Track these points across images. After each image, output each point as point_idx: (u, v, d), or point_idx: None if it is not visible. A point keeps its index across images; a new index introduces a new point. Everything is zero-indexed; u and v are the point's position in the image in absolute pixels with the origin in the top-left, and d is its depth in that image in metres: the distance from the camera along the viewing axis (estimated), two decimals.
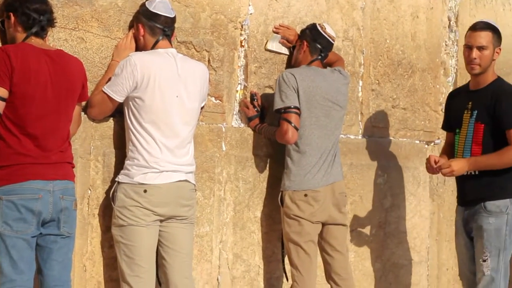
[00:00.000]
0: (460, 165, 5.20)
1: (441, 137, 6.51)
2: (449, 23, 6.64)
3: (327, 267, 5.45)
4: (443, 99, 6.55)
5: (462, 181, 5.34)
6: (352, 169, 5.96)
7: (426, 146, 6.43)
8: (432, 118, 6.48)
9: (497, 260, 5.22)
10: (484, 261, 5.24)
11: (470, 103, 5.31)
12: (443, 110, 5.60)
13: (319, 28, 5.43)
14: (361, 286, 5.91)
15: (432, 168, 5.27)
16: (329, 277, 5.45)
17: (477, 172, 5.25)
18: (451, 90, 6.61)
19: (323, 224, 5.38)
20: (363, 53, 6.09)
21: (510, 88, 5.36)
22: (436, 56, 6.52)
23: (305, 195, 5.29)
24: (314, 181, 5.31)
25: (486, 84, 5.31)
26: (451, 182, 6.48)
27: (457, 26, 6.66)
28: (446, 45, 6.61)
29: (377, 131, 6.18)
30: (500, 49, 5.32)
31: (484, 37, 5.24)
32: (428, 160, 5.29)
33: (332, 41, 5.44)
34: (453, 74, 6.64)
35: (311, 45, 5.43)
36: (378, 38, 6.17)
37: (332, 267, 5.42)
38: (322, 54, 5.43)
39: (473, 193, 5.29)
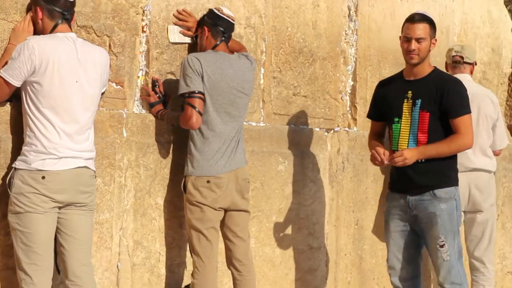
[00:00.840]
0: (411, 154, 5.26)
1: (341, 125, 6.49)
2: (349, 12, 6.62)
3: (229, 253, 5.39)
4: (342, 87, 6.53)
5: (404, 169, 5.33)
6: (253, 156, 5.90)
7: (326, 133, 6.41)
8: (332, 106, 6.46)
9: (453, 244, 5.31)
10: (442, 246, 5.31)
11: (410, 92, 5.34)
12: (372, 99, 5.56)
13: (217, 12, 5.33)
14: (261, 272, 5.86)
15: (380, 159, 5.29)
16: (230, 263, 5.40)
17: (423, 160, 5.30)
18: (350, 78, 6.60)
19: (226, 211, 5.31)
20: (265, 40, 6.02)
21: (451, 77, 5.48)
22: (336, 45, 6.50)
23: (208, 181, 5.20)
24: (217, 167, 5.22)
25: (425, 74, 5.37)
26: (350, 169, 6.48)
27: (356, 16, 6.64)
28: (346, 34, 6.58)
29: (278, 118, 6.13)
30: (435, 40, 5.40)
31: (422, 29, 5.29)
32: (376, 152, 5.30)
33: (232, 21, 5.35)
34: (353, 63, 6.63)
35: (212, 29, 5.32)
36: (280, 26, 6.11)
37: (234, 253, 5.36)
38: (225, 35, 5.33)
39: (420, 180, 5.33)
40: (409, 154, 5.26)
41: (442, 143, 5.28)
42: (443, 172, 5.38)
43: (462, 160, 6.26)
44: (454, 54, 6.64)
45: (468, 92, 6.27)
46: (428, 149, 5.28)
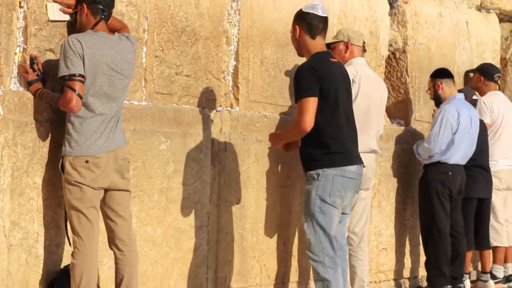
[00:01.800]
0: (272, 137, 5.68)
1: (223, 104, 6.40)
2: None
3: (110, 233, 5.25)
4: (225, 67, 6.43)
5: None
6: (135, 135, 5.73)
7: (209, 113, 6.29)
8: (214, 85, 6.34)
9: (311, 223, 5.55)
10: (303, 223, 5.64)
11: None
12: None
13: None
14: (142, 252, 5.72)
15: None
16: (112, 243, 5.26)
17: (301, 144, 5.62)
18: (232, 58, 6.49)
19: (106, 190, 5.16)
20: (147, 19, 5.84)
21: (299, 66, 5.66)
22: (219, 25, 6.37)
23: (86, 161, 5.04)
24: (95, 147, 5.06)
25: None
26: (232, 149, 6.39)
27: None
28: (228, 14, 6.46)
29: (160, 97, 5.97)
30: (297, 26, 5.69)
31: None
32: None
33: None
34: (235, 43, 6.51)
35: (91, 6, 5.11)
36: (162, 4, 5.94)
37: (115, 233, 5.23)
38: (105, 14, 5.13)
39: (301, 162, 5.69)
40: (271, 138, 5.63)
41: (287, 127, 5.63)
42: (308, 155, 5.59)
43: (367, 141, 6.51)
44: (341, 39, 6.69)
45: (360, 75, 6.35)
46: (280, 133, 5.63)
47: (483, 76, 8.78)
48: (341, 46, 6.65)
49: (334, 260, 5.56)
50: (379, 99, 6.73)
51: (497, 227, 8.56)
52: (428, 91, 8.03)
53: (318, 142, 5.56)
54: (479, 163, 7.99)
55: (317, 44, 5.70)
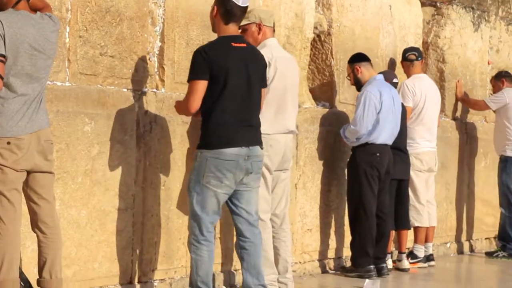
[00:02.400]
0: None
1: (148, 86, 6.30)
2: None
3: (33, 216, 5.12)
4: (150, 48, 6.32)
5: None
6: (58, 117, 5.59)
7: (134, 94, 6.19)
8: (139, 67, 6.23)
9: (192, 200, 5.71)
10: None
11: None
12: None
13: None
14: (66, 234, 5.60)
15: None
16: (35, 225, 5.13)
17: None
18: (158, 39, 6.39)
19: (29, 172, 5.02)
20: None
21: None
22: (144, 5, 6.25)
23: (8, 142, 4.88)
24: (17, 129, 4.91)
25: None
26: (157, 131, 6.31)
27: None
28: None
29: (84, 78, 5.84)
30: (214, 6, 5.84)
31: None
32: None
33: None
34: (161, 24, 6.41)
35: None
36: None
37: (39, 215, 5.10)
38: None
39: None
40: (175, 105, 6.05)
41: (180, 102, 5.93)
42: (199, 134, 5.77)
43: (285, 122, 6.50)
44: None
45: (276, 57, 6.36)
46: (176, 105, 6.04)
47: (402, 59, 8.87)
48: (254, 28, 6.56)
49: (202, 239, 5.69)
50: (294, 79, 6.70)
51: (419, 208, 8.65)
52: (348, 77, 8.05)
53: (204, 124, 5.73)
54: (396, 145, 8.04)
55: (227, 29, 5.78)
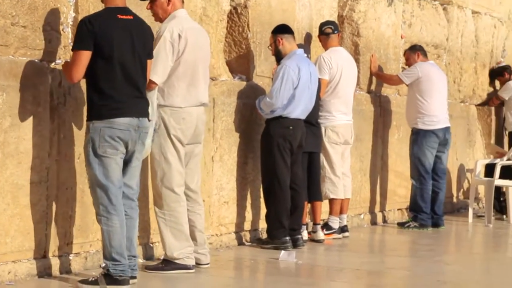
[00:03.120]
0: None
1: (62, 57, 6.13)
2: None
3: None
4: (64, 18, 6.15)
5: None
6: None
7: (47, 66, 6.02)
8: (53, 38, 6.06)
9: (88, 174, 5.75)
10: None
11: None
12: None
13: None
14: None
15: None
16: None
17: None
18: (72, 9, 6.23)
19: None
20: None
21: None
22: None
23: None
24: None
25: None
26: (72, 103, 6.16)
27: None
28: None
29: None
30: None
31: None
32: None
33: None
34: None
35: None
36: None
37: None
38: None
39: None
40: None
41: (66, 68, 5.85)
42: (87, 105, 5.75)
43: (197, 95, 6.48)
44: None
45: (186, 29, 6.25)
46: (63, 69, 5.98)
47: (319, 33, 8.86)
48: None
49: (112, 208, 5.67)
50: (205, 51, 6.63)
51: (334, 180, 8.68)
52: (270, 47, 8.00)
53: (92, 95, 5.69)
54: (307, 118, 8.04)
55: (114, 1, 5.78)
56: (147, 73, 5.93)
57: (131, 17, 5.82)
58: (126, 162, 5.83)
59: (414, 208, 9.78)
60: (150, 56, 5.98)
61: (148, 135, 5.96)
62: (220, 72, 7.80)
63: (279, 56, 7.94)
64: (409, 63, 9.91)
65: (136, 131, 5.76)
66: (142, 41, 5.84)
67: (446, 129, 9.81)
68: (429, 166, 9.72)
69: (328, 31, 8.76)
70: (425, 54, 9.95)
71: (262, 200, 8.07)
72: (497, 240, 9.44)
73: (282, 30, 7.93)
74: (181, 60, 6.32)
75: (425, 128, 9.68)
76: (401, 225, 9.83)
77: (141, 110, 5.83)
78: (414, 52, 9.87)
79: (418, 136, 9.71)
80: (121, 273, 5.66)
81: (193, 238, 6.58)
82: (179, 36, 6.28)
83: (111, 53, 5.64)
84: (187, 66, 6.37)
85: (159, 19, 6.47)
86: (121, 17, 5.75)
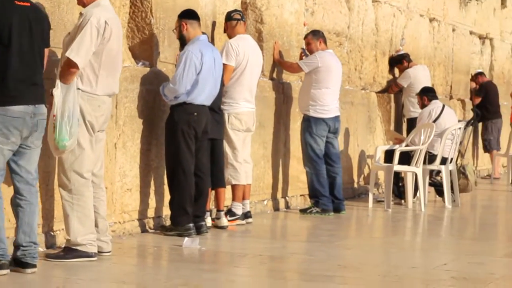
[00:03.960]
0: None
1: None
2: None
3: None
4: None
5: None
6: None
7: None
8: None
9: None
10: None
11: None
12: None
13: None
14: None
15: None
16: None
17: None
18: None
19: None
20: None
21: None
22: None
23: None
24: None
25: None
26: None
27: None
28: None
29: None
30: None
31: None
32: None
33: None
34: None
35: None
36: None
37: None
38: None
39: None
40: None
41: None
42: None
43: (114, 85, 6.53)
44: None
45: (111, 18, 6.22)
46: None
47: (226, 20, 8.83)
48: None
49: None
50: (121, 41, 6.61)
51: (236, 166, 8.68)
52: (175, 30, 7.95)
53: None
54: (210, 105, 8.02)
55: None
56: (44, 61, 5.87)
57: (29, 4, 5.73)
58: (24, 148, 5.75)
59: (314, 193, 9.85)
60: (47, 44, 5.93)
61: (74, 123, 5.97)
62: (123, 57, 7.68)
63: (182, 41, 7.89)
64: (310, 48, 9.92)
65: (32, 118, 5.70)
66: (40, 29, 5.79)
67: (336, 118, 9.89)
68: (321, 152, 9.77)
69: (237, 17, 8.75)
70: (325, 42, 10.01)
71: (166, 187, 8.02)
72: (396, 224, 9.61)
73: (188, 15, 7.88)
74: (105, 49, 6.32)
75: (316, 116, 9.73)
76: (303, 211, 9.90)
77: (38, 97, 5.76)
78: (317, 38, 9.89)
79: (309, 123, 9.76)
80: (1, 257, 5.60)
81: (96, 224, 6.50)
82: (106, 23, 6.27)
83: (10, 40, 5.55)
84: (110, 55, 6.37)
85: (83, 3, 6.41)
86: (19, 3, 5.66)
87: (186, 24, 7.84)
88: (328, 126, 9.79)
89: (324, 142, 9.82)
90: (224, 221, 8.46)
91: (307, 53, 9.91)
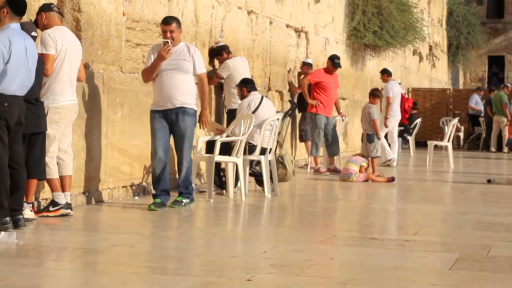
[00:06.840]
0: None
1: None
2: None
3: None
4: None
5: None
6: None
7: None
8: None
9: None
10: None
11: None
12: None
13: None
14: None
15: None
16: None
17: None
18: None
19: None
20: None
21: None
22: None
23: None
24: None
25: None
26: None
27: None
28: None
29: None
30: None
31: None
32: None
33: None
34: None
35: None
36: None
37: None
38: None
39: None
40: None
41: None
42: None
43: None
44: None
45: None
46: None
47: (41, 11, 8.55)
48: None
49: None
50: None
51: (47, 161, 8.40)
52: None
53: None
54: (26, 97, 7.72)
55: None
56: None
57: None
58: None
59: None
60: None
61: None
62: None
63: None
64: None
65: None
66: None
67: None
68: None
69: (54, 9, 8.52)
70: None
71: None
72: (218, 214, 9.59)
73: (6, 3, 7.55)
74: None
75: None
76: (176, 203, 9.63)
77: None
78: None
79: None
80: None
81: None
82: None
83: None
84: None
85: None
86: None
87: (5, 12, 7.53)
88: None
89: None
90: (28, 213, 8.10)
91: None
